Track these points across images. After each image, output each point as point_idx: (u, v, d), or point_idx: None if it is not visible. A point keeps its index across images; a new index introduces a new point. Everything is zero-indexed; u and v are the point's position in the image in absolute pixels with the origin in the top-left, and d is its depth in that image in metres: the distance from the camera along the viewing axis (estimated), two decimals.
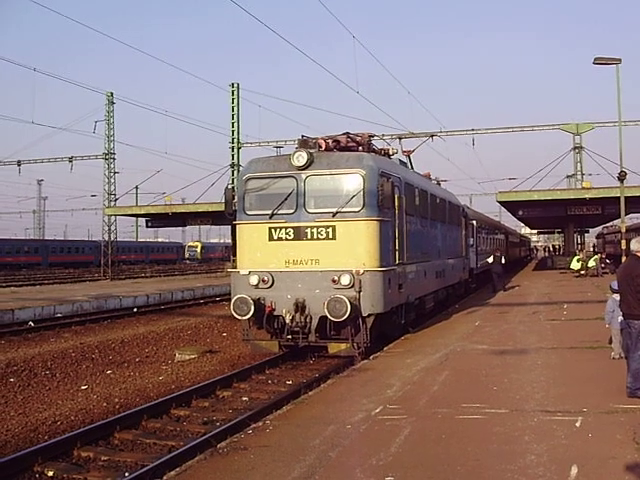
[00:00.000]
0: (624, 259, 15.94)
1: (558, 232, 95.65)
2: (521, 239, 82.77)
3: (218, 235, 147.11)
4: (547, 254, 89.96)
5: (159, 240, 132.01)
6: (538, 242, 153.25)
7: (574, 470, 6.29)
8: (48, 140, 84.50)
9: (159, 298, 32.71)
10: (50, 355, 16.73)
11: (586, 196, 38.51)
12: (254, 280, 14.31)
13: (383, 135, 33.33)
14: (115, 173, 53.33)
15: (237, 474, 6.70)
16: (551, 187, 43.95)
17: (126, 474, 8.14)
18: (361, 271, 13.71)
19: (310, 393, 10.62)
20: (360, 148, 15.82)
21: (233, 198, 15.60)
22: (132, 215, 56.06)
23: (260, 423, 8.68)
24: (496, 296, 27.70)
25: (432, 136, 23.79)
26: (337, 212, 13.99)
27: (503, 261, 32.42)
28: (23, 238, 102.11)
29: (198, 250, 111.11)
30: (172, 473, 6.90)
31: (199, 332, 21.55)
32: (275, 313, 14.16)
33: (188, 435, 9.88)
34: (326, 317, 13.47)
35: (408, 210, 16.26)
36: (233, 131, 48.90)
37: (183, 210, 48.74)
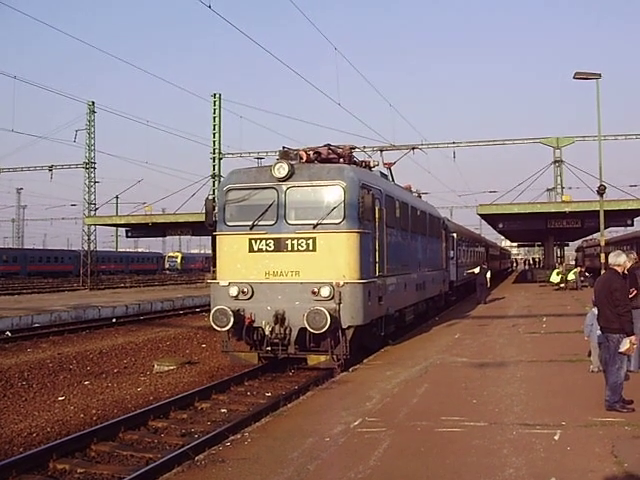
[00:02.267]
0: (603, 272, 16.04)
1: (538, 245, 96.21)
2: (501, 252, 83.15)
3: (198, 246, 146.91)
4: (527, 267, 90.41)
5: (139, 250, 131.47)
6: (518, 255, 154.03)
7: None
8: (28, 148, 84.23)
9: (138, 308, 32.55)
10: (27, 365, 16.56)
11: (566, 209, 38.81)
12: (234, 291, 14.26)
13: (364, 147, 33.43)
14: (95, 182, 53.28)
15: None
16: (531, 200, 44.37)
17: None
18: (341, 283, 13.70)
19: (289, 405, 10.58)
20: (341, 160, 15.83)
21: (214, 209, 15.55)
22: (112, 225, 55.78)
23: (239, 435, 8.63)
24: (476, 308, 27.78)
25: (413, 148, 23.74)
26: (318, 224, 13.97)
27: (489, 275, 32.60)
28: (1, 247, 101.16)
29: (178, 261, 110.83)
30: None
31: (178, 343, 21.43)
32: (255, 325, 14.11)
33: (166, 447, 9.80)
34: (306, 329, 13.43)
35: (389, 222, 16.28)
36: (214, 142, 48.95)
37: (163, 220, 48.58)
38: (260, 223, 14.33)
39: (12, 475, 8.31)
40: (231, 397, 13.10)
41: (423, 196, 26.59)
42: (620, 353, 8.97)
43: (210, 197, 16.21)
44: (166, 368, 16.40)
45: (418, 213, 21.12)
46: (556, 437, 7.85)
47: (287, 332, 13.83)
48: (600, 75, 26.30)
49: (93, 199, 52.87)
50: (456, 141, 46.24)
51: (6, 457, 9.27)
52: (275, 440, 8.26)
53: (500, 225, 47.96)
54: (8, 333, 22.96)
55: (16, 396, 13.68)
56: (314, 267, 13.90)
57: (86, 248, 54.69)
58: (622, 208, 37.55)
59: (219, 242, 15.00)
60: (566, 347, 14.93)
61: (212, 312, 14.07)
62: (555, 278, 40.36)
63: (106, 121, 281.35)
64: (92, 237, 54.45)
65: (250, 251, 14.34)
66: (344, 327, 13.69)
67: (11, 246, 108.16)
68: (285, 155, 14.90)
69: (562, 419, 8.64)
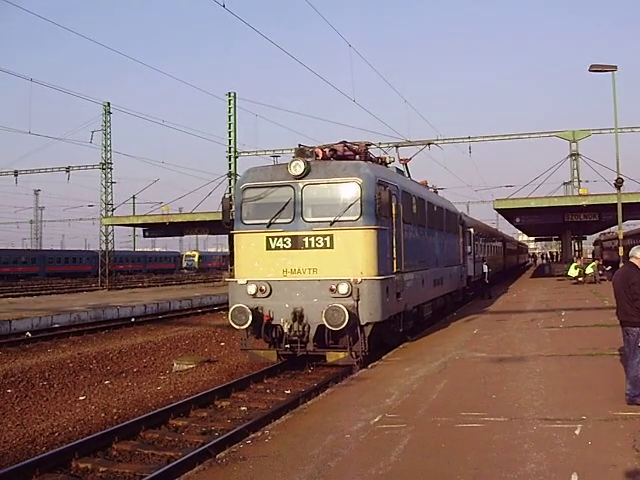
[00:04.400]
0: (621, 265, 15.93)
1: (555, 239, 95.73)
2: (518, 246, 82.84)
3: (215, 244, 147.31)
4: (545, 261, 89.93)
5: (156, 250, 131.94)
6: (535, 249, 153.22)
7: (574, 478, 6.27)
8: (45, 150, 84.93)
9: (157, 308, 32.68)
10: (48, 366, 16.69)
11: (583, 203, 38.56)
12: (252, 289, 14.28)
13: (380, 143, 33.32)
14: (112, 183, 53.42)
15: None
16: (548, 194, 44.06)
17: None
18: (359, 280, 13.69)
19: (309, 402, 10.60)
20: (357, 157, 15.83)
21: (230, 207, 15.58)
22: (129, 225, 56.03)
23: (259, 433, 8.66)
24: (494, 303, 27.67)
25: (429, 144, 23.68)
26: (335, 221, 13.97)
27: (485, 269, 32.48)
28: (20, 248, 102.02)
29: (195, 259, 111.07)
30: None
31: (197, 342, 21.51)
32: (273, 322, 14.13)
33: (187, 445, 9.85)
34: (324, 326, 13.44)
35: (405, 218, 16.24)
36: (230, 140, 48.99)
37: (180, 220, 48.73)
38: (277, 221, 14.34)
39: (35, 474, 8.39)
40: (251, 395, 13.14)
41: (439, 191, 26.54)
42: None
43: (227, 196, 16.22)
44: (185, 367, 16.48)
45: (435, 209, 21.07)
46: (577, 432, 7.82)
47: (305, 329, 13.84)
48: (616, 67, 26.15)
49: (110, 199, 53.08)
50: (472, 136, 45.97)
51: (29, 456, 9.38)
52: (295, 437, 8.28)
53: (517, 219, 47.76)
54: (28, 334, 23.15)
55: (37, 396, 13.80)
56: (332, 264, 13.90)
57: (104, 248, 54.90)
58: None
59: (236, 240, 15.03)
60: (585, 341, 14.84)
61: (230, 310, 14.11)
62: (573, 272, 40.10)
63: (122, 122, 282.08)
64: (110, 237, 54.67)
65: (267, 249, 14.36)
66: (362, 324, 13.68)
67: (30, 247, 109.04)
68: (301, 153, 14.89)
69: (582, 413, 8.60)
